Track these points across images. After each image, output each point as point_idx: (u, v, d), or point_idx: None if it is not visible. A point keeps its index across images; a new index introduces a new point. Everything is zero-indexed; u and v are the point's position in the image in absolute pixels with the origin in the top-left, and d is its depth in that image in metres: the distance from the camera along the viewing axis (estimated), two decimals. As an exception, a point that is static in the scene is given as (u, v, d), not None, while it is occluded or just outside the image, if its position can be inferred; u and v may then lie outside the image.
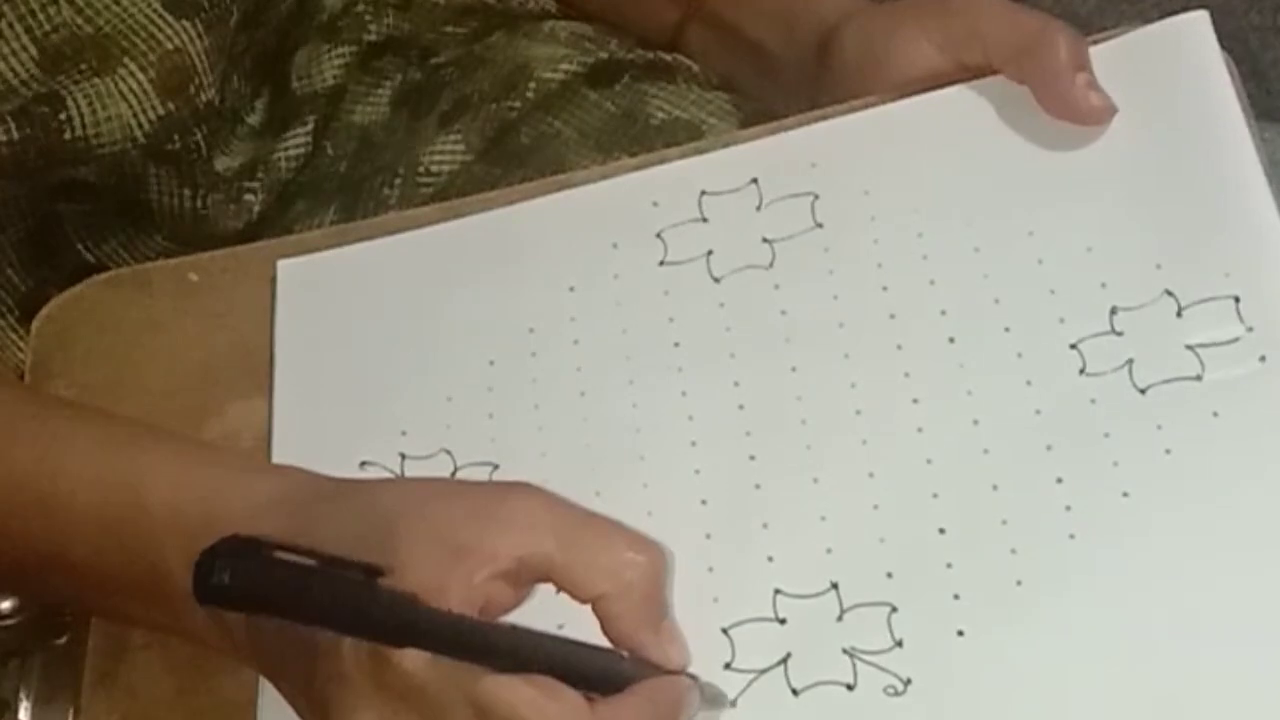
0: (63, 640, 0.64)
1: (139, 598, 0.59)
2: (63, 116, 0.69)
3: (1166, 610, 0.55)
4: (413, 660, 0.51)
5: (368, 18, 0.84)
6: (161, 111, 0.71)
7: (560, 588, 0.53)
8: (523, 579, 0.53)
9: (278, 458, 0.67)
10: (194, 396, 0.70)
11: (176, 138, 0.73)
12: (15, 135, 0.67)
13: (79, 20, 0.69)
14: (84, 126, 0.69)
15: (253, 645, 0.56)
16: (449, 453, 0.66)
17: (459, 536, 0.52)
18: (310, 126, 0.82)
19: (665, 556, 0.54)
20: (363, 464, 0.66)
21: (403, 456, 0.66)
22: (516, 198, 0.71)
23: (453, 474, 0.65)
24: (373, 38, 0.84)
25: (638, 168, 0.70)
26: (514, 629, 0.53)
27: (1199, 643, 0.54)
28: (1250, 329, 0.58)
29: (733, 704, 0.58)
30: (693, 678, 0.56)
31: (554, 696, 0.51)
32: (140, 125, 0.71)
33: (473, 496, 0.55)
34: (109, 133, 0.70)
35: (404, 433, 0.67)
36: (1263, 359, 0.58)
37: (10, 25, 0.68)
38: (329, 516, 0.54)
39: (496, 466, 0.65)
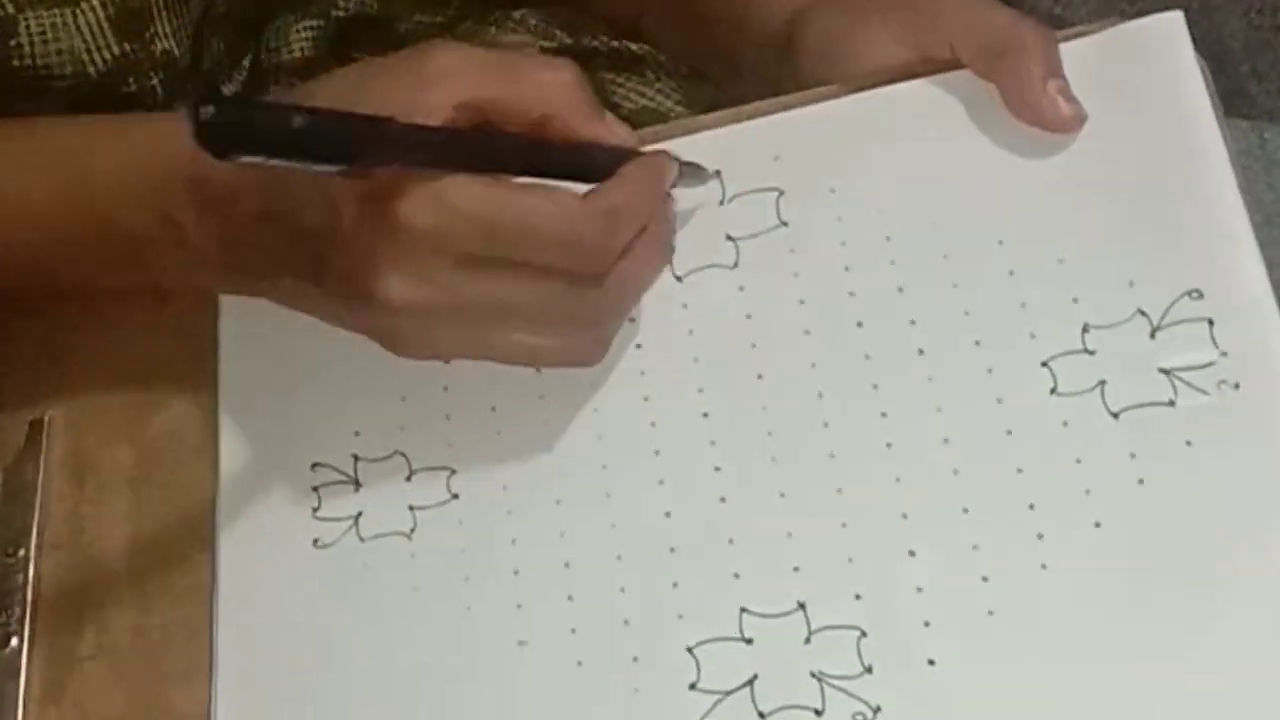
0: (7, 650, 0.62)
1: (116, 263, 0.64)
2: (13, 43, 0.68)
3: (1139, 645, 0.55)
4: (413, 199, 0.54)
5: None
6: (116, 51, 0.70)
7: (502, 123, 0.57)
8: (465, 124, 0.57)
9: (225, 459, 0.66)
10: (139, 387, 0.68)
11: (132, 80, 0.72)
12: None
13: None
14: (34, 57, 0.69)
15: (239, 258, 0.60)
16: (404, 455, 0.64)
17: (397, 100, 0.55)
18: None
19: (578, 70, 0.59)
20: (314, 465, 0.65)
21: (356, 458, 0.65)
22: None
23: (408, 478, 0.64)
24: (340, 13, 0.82)
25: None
26: (489, 135, 0.57)
27: (1170, 676, 0.54)
28: (1224, 354, 0.58)
29: (715, 173, 0.64)
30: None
31: (547, 197, 0.56)
32: (94, 62, 0.70)
33: (398, 64, 0.58)
34: (59, 65, 0.69)
35: (357, 433, 0.65)
36: (1236, 386, 0.57)
37: None
38: None
39: (454, 471, 0.64)
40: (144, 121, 0.67)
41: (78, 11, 0.68)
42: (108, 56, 0.70)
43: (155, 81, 0.72)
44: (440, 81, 0.57)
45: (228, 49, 0.77)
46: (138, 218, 0.62)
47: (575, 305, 0.58)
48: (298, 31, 0.81)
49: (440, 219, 0.55)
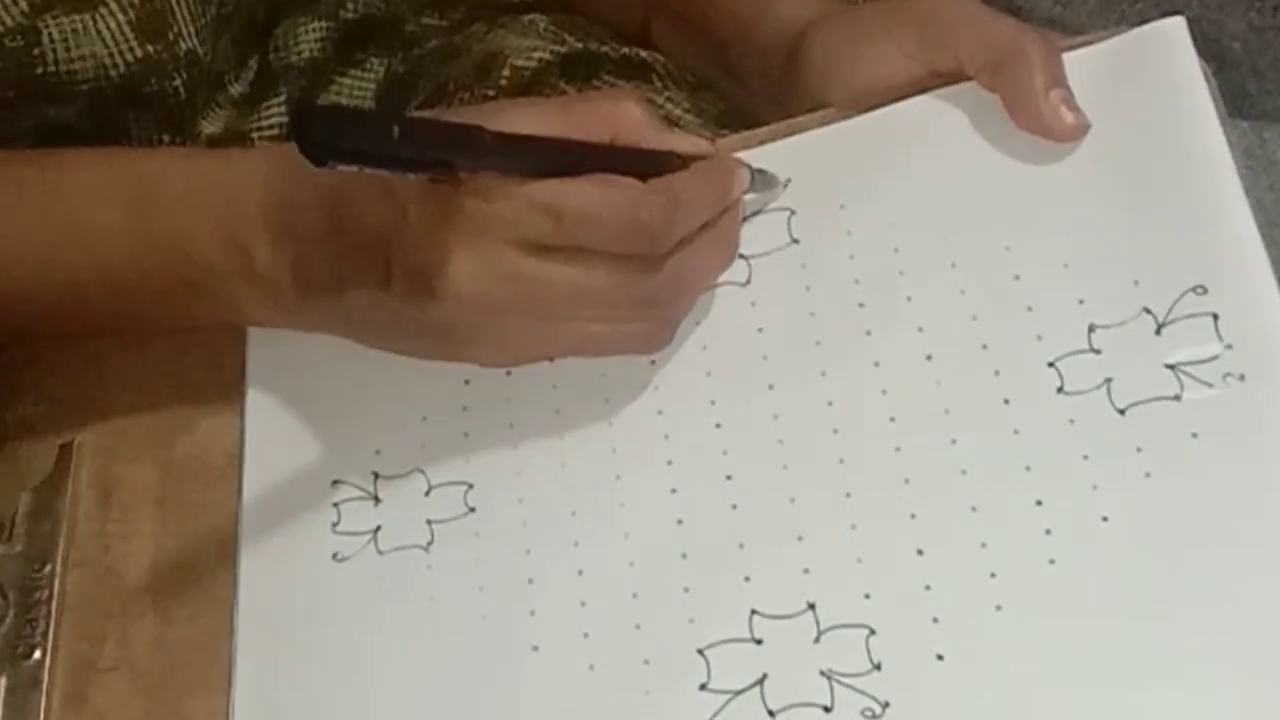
0: (30, 661, 0.63)
1: (181, 296, 0.64)
2: (36, 52, 0.69)
3: (1146, 637, 0.55)
4: (479, 189, 0.56)
5: None
6: (139, 54, 0.72)
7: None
8: None
9: (249, 476, 0.66)
10: (165, 411, 0.69)
11: (154, 80, 0.73)
12: None
13: None
14: (57, 63, 0.70)
15: (307, 282, 0.61)
16: (423, 472, 0.65)
17: None
18: (284, 99, 0.82)
19: (646, 101, 0.62)
20: (334, 482, 0.66)
21: (375, 475, 0.66)
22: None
23: (427, 493, 0.65)
24: (350, 14, 0.84)
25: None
26: (576, 143, 0.58)
27: (1179, 669, 0.54)
28: (1229, 347, 0.58)
29: (786, 181, 0.66)
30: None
31: (612, 183, 0.57)
32: (116, 66, 0.71)
33: (471, 111, 0.60)
34: (82, 71, 0.71)
35: (378, 451, 0.66)
36: (1242, 378, 0.57)
37: None
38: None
39: (471, 486, 0.64)
40: (214, 152, 0.67)
41: (98, 16, 0.69)
42: (130, 59, 0.71)
43: (179, 81, 0.74)
44: (512, 122, 0.57)
45: (236, 49, 0.79)
46: (208, 247, 0.63)
47: (636, 289, 0.59)
48: (306, 32, 0.83)
49: (505, 206, 0.56)
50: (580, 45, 0.81)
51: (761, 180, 0.65)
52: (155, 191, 0.64)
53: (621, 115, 0.60)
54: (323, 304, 0.62)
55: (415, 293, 0.58)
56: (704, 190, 0.61)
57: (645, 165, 0.59)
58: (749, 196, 0.65)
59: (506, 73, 0.80)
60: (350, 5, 0.84)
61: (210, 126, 0.79)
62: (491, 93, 0.80)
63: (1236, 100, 0.73)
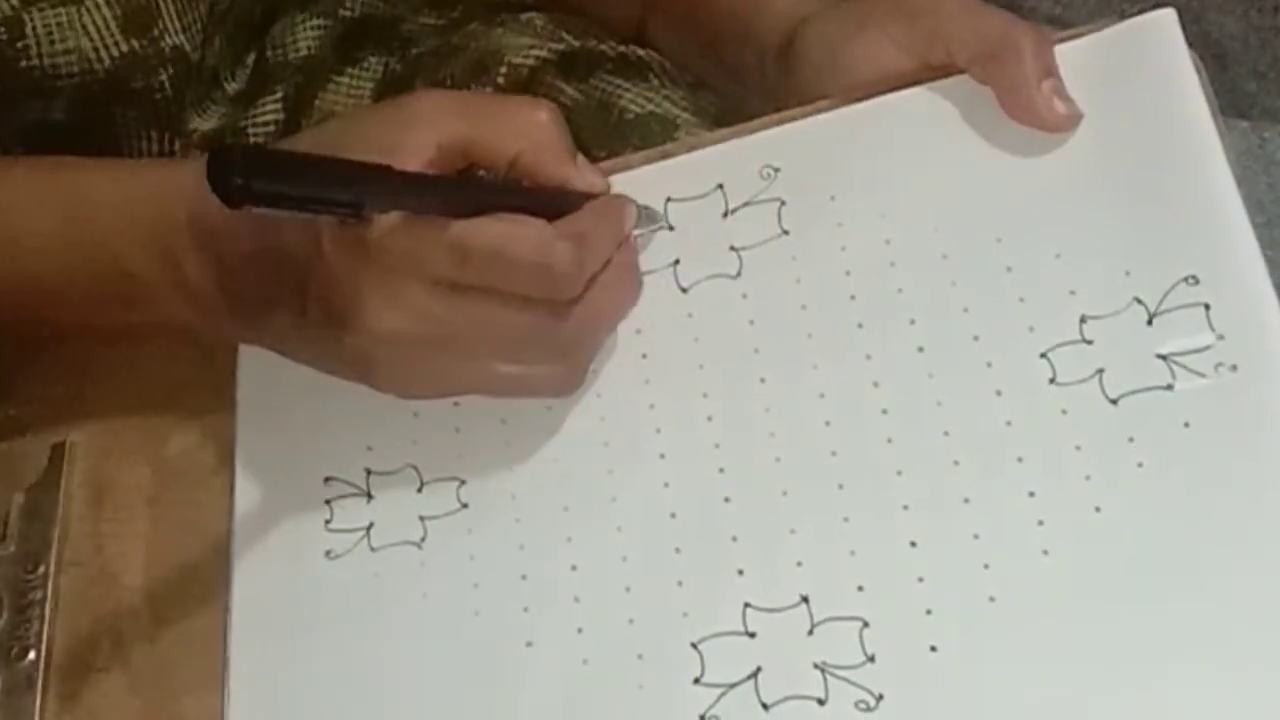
0: (25, 662, 0.63)
1: (116, 305, 0.65)
2: (21, 45, 0.69)
3: (1140, 627, 0.55)
4: (390, 227, 0.56)
5: None
6: (124, 49, 0.72)
7: (481, 163, 0.60)
8: (447, 165, 0.59)
9: (241, 473, 0.67)
10: (157, 410, 0.69)
11: (139, 76, 0.74)
12: None
13: None
14: (41, 56, 0.70)
15: (233, 298, 0.62)
16: (415, 468, 0.65)
17: (381, 142, 0.57)
18: (279, 96, 0.82)
19: (556, 110, 0.61)
20: (327, 479, 0.66)
21: (368, 472, 0.66)
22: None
23: (419, 489, 0.65)
24: (348, 13, 0.84)
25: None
26: (471, 180, 0.60)
27: (1172, 660, 0.54)
28: (1221, 337, 0.58)
29: (666, 222, 0.66)
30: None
31: (519, 224, 0.57)
32: (101, 60, 0.72)
33: (381, 110, 0.63)
34: (67, 65, 0.71)
35: (370, 448, 0.66)
36: (1234, 368, 0.57)
37: None
38: None
39: (463, 482, 0.64)
40: (149, 164, 0.68)
41: (83, 10, 0.69)
42: (115, 54, 0.71)
43: (164, 77, 0.74)
44: (422, 123, 0.58)
45: (231, 47, 0.79)
46: (139, 258, 0.63)
47: (548, 334, 0.59)
48: (304, 30, 0.83)
49: (414, 244, 0.56)
50: (578, 43, 0.81)
51: (646, 216, 0.65)
52: (89, 202, 0.64)
53: (532, 123, 0.60)
54: (250, 320, 0.63)
55: (329, 324, 0.59)
56: (604, 231, 0.61)
57: (549, 203, 0.60)
58: (636, 233, 0.65)
59: (504, 71, 0.80)
60: (348, 3, 0.84)
61: (205, 123, 0.79)
62: (488, 89, 0.80)
63: (1236, 100, 0.73)
